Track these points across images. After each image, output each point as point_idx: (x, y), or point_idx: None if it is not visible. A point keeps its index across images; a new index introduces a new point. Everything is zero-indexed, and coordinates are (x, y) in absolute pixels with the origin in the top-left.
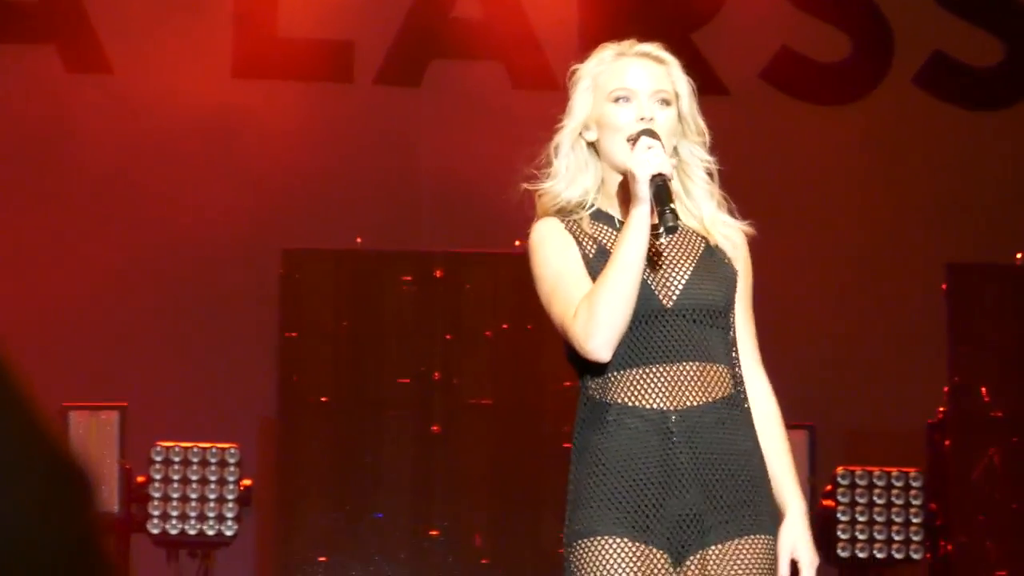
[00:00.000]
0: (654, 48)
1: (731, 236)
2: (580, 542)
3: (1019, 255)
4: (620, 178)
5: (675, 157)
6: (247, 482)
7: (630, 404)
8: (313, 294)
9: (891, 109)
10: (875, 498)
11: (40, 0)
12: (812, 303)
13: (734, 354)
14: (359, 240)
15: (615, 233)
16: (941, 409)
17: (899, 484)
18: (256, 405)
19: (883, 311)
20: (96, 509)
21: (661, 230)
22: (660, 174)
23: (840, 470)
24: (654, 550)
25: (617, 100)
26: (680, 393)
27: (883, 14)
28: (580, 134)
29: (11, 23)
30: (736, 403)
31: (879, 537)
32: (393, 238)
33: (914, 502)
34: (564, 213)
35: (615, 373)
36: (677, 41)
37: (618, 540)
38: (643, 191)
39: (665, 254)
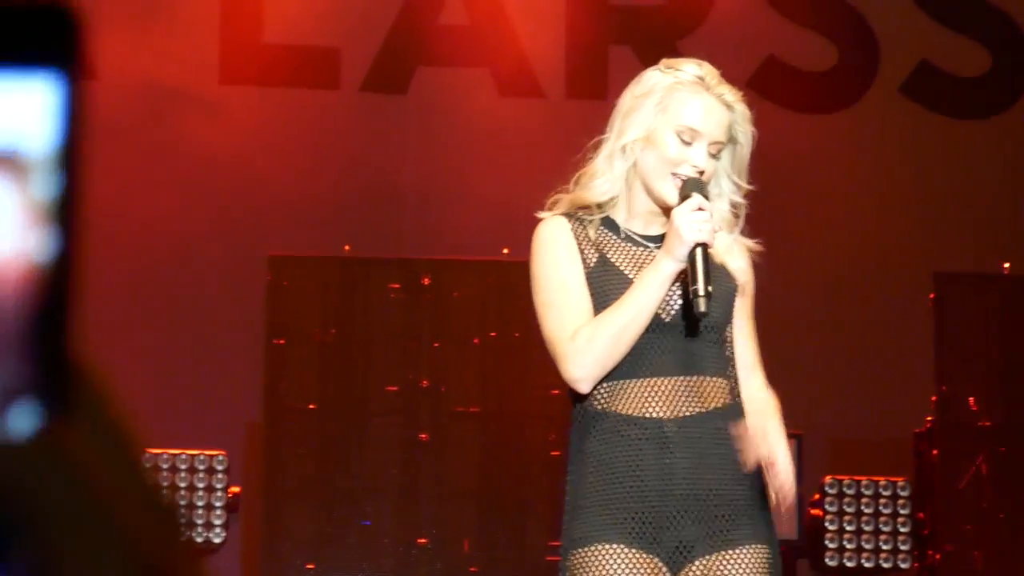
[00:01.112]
0: (732, 95)
1: (740, 257)
2: (579, 550)
3: (1006, 264)
4: (644, 197)
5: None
6: (235, 489)
7: (628, 414)
8: (300, 301)
9: (878, 118)
10: (863, 507)
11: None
12: (799, 312)
13: (731, 368)
14: (347, 248)
15: (620, 243)
16: (929, 418)
17: (887, 493)
18: (243, 412)
19: (870, 320)
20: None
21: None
22: (703, 243)
23: (828, 479)
24: (653, 559)
25: (680, 134)
26: (676, 404)
27: (869, 23)
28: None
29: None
30: (733, 415)
31: (867, 546)
32: (380, 245)
33: (902, 511)
34: (580, 208)
35: (612, 384)
36: (664, 50)
37: (617, 547)
38: (681, 254)
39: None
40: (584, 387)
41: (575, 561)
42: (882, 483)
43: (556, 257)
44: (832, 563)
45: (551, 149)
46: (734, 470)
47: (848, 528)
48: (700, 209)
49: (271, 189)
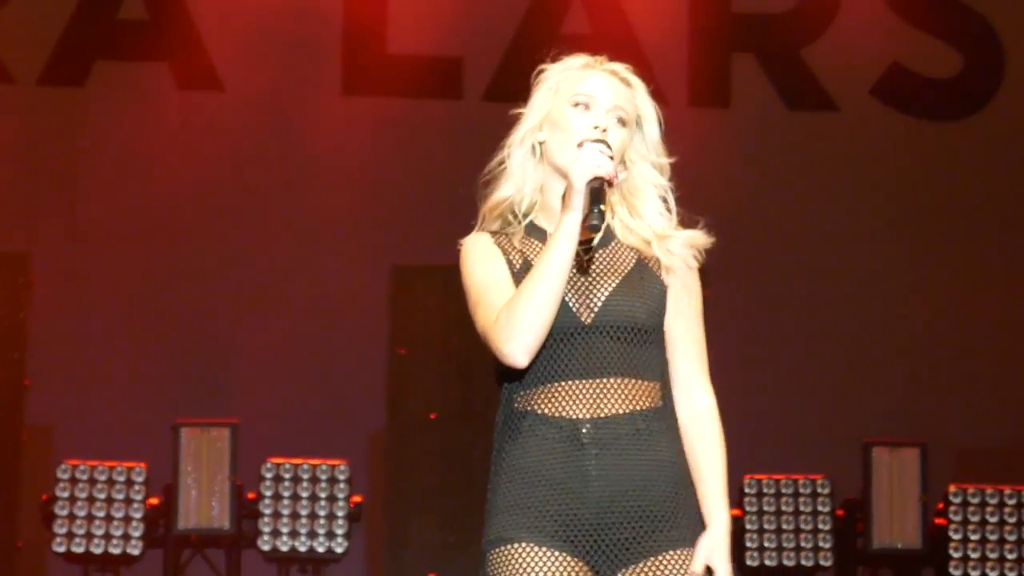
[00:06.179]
0: (623, 68)
1: (679, 255)
2: (493, 551)
3: None
4: (560, 187)
5: (625, 172)
6: (357, 499)
7: (544, 414)
8: (422, 310)
9: (1006, 123)
10: (987, 516)
11: (152, 18)
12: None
13: (664, 369)
14: None
15: (544, 246)
16: None
17: (1011, 502)
18: (365, 421)
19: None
20: None
21: (593, 241)
22: (598, 177)
23: (952, 488)
24: (570, 558)
25: (576, 104)
26: (597, 404)
27: (995, 29)
28: (534, 134)
29: (124, 41)
30: (660, 416)
31: (991, 556)
32: None
33: None
34: (502, 223)
35: (535, 387)
36: (787, 57)
37: (528, 546)
38: (577, 201)
39: (590, 270)
40: (521, 359)
41: (491, 561)
42: (1007, 492)
43: (480, 260)
44: (956, 572)
45: (674, 155)
46: (656, 473)
47: (972, 537)
48: (594, 150)
49: (393, 197)
